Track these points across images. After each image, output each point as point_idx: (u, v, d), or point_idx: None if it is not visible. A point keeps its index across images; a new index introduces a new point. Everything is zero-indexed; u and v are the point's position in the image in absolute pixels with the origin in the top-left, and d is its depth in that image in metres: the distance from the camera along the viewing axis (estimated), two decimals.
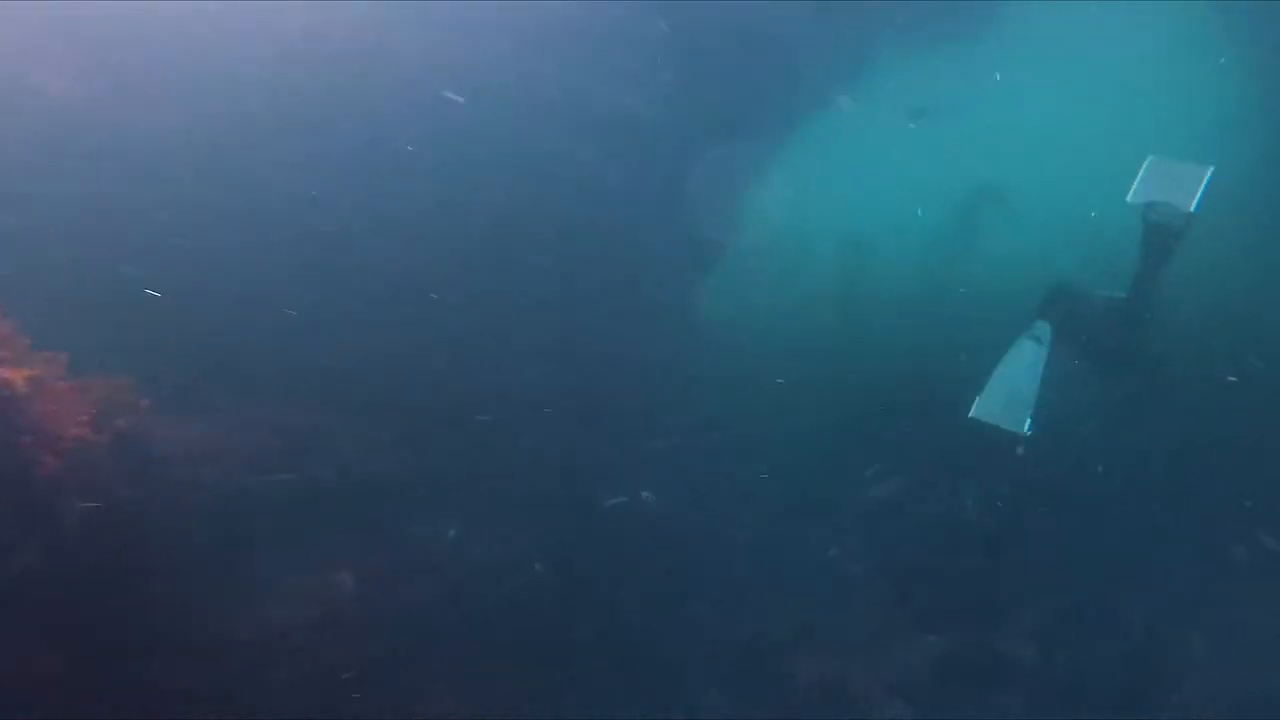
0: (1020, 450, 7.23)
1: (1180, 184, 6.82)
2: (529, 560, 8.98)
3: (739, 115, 13.59)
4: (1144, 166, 7.04)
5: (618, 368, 11.71)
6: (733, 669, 7.35)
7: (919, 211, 19.73)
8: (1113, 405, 10.36)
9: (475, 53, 10.35)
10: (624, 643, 8.28)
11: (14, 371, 5.02)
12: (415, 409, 9.91)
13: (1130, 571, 8.07)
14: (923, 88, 21.24)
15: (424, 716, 6.15)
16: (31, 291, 5.62)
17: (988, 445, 10.42)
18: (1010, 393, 6.89)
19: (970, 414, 6.92)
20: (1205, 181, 6.72)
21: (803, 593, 8.30)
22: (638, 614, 8.86)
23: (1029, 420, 6.78)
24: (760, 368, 13.70)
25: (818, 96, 15.67)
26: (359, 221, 9.31)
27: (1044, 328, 6.81)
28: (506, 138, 10.88)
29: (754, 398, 12.70)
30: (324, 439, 7.91)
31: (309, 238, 9.00)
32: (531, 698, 6.99)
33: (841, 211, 24.07)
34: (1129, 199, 7.01)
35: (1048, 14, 22.53)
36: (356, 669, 6.00)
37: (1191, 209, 6.72)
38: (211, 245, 8.14)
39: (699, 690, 7.58)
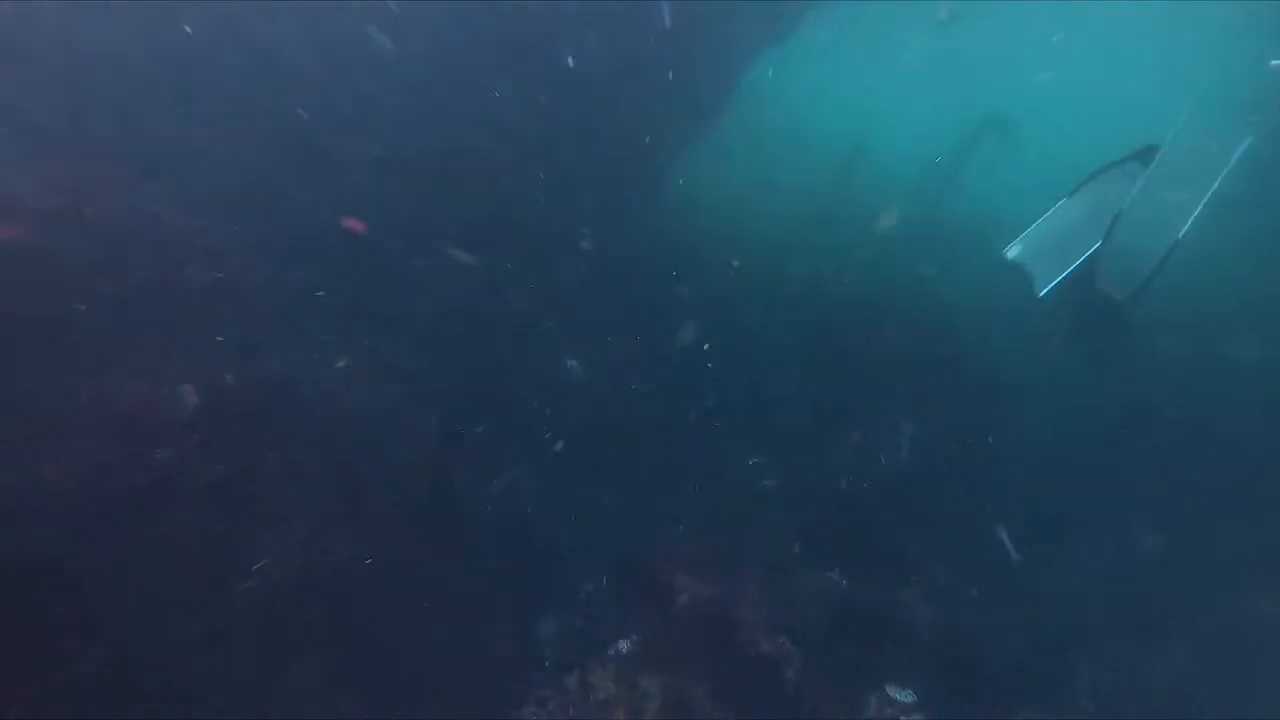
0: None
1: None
2: (424, 413, 8.09)
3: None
4: None
5: (572, 235, 10.66)
6: (613, 575, 6.69)
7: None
8: (1074, 362, 9.74)
9: None
10: (501, 522, 7.59)
11: None
12: (326, 230, 8.74)
13: (1053, 544, 7.60)
14: None
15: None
16: None
17: (936, 383, 9.81)
18: (1056, 241, 6.45)
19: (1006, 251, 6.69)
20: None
21: (709, 502, 7.62)
22: (526, 494, 8.16)
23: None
24: (725, 257, 12.74)
25: None
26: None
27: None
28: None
29: (714, 291, 11.79)
30: (192, 235, 6.70)
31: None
32: (377, 561, 6.25)
33: (846, 115, 22.70)
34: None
35: None
36: (168, 494, 5.10)
37: None
38: None
39: (569, 593, 6.97)
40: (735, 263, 11.58)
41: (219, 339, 6.69)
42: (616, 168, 11.62)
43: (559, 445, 8.79)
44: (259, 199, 8.38)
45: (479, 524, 7.74)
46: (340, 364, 7.88)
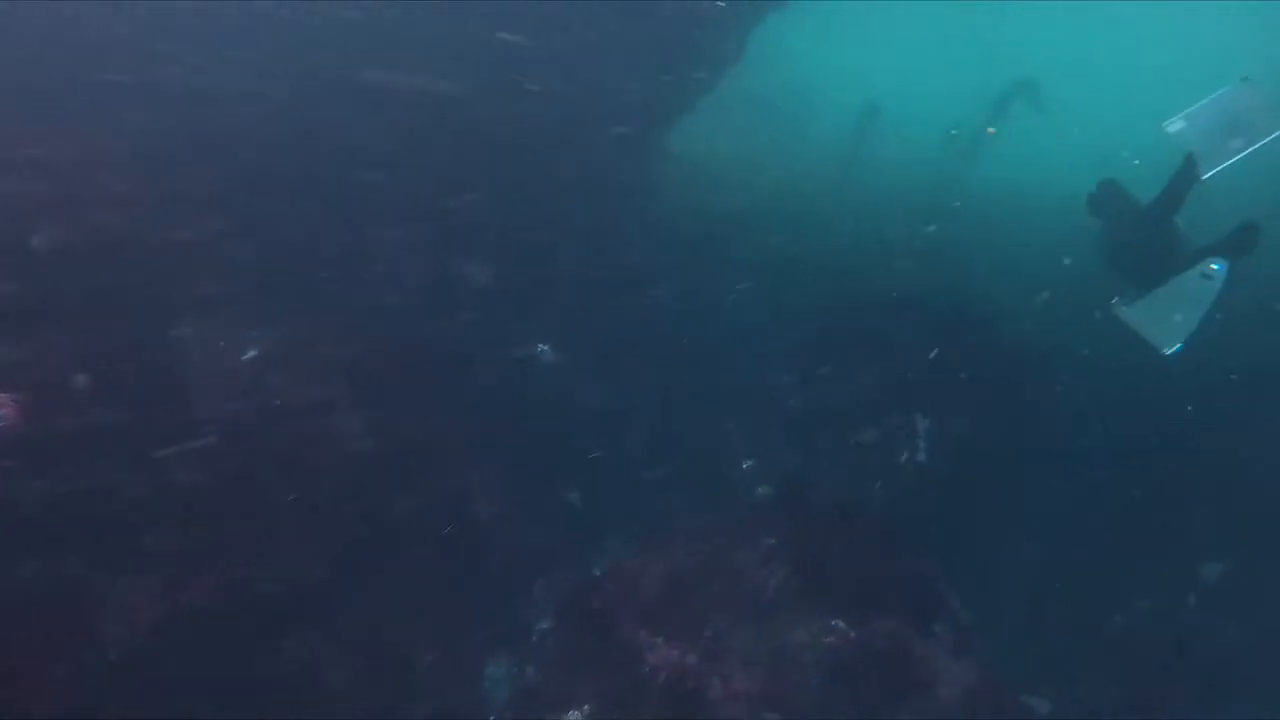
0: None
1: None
2: (352, 414, 6.82)
3: None
4: None
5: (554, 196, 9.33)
6: (569, 614, 5.46)
7: None
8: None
9: None
10: (446, 541, 6.40)
11: None
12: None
13: (1102, 575, 6.31)
14: None
15: None
16: None
17: (959, 371, 8.47)
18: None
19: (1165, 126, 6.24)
20: None
21: (692, 520, 6.37)
22: (485, 504, 6.98)
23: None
24: (723, 227, 11.42)
25: None
26: None
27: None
28: None
29: (711, 264, 10.46)
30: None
31: None
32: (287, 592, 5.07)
33: (867, 76, 21.35)
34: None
35: None
36: None
37: None
38: None
39: (523, 627, 5.79)
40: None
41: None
42: (610, 125, 10.31)
43: (522, 445, 7.59)
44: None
45: (417, 544, 6.55)
46: (249, 355, 6.60)
